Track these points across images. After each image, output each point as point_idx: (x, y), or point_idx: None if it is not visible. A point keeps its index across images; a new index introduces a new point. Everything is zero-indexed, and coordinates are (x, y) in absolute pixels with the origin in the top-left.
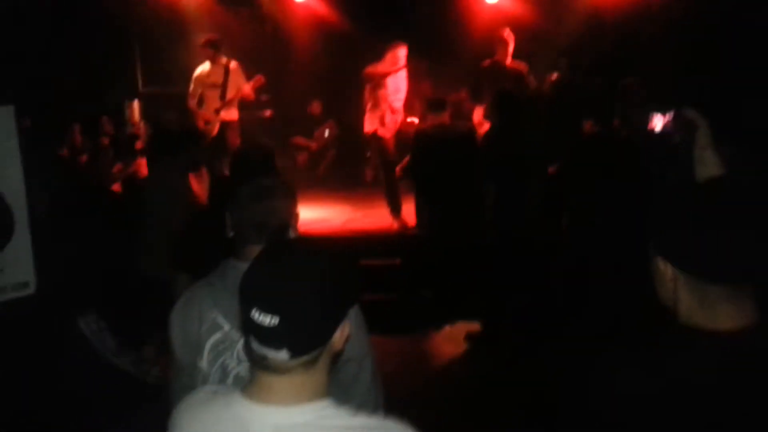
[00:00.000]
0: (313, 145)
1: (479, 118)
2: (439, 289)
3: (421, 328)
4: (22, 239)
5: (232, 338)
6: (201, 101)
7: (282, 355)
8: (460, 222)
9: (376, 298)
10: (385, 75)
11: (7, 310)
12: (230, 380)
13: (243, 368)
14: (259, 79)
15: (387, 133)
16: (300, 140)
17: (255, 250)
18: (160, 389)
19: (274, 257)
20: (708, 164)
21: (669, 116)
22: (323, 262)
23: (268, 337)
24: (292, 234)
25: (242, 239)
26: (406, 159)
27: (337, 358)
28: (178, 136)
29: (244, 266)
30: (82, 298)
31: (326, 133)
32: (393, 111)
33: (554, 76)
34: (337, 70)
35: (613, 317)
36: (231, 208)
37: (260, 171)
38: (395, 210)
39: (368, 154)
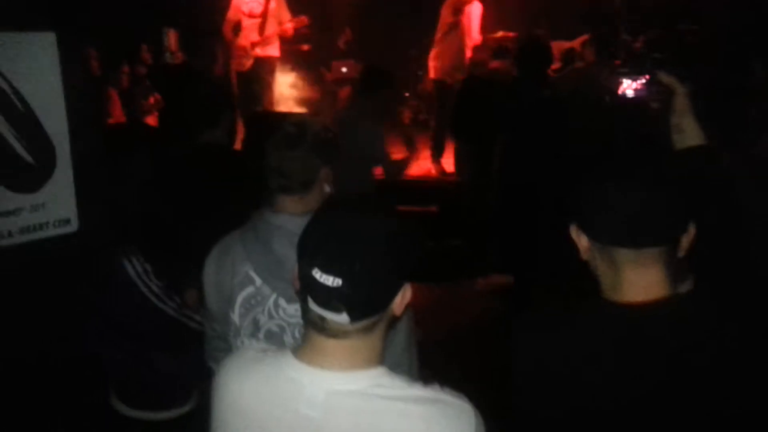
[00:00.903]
0: (329, 75)
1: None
2: (474, 240)
3: (453, 278)
4: (64, 174)
5: (263, 293)
6: (237, 29)
7: (342, 319)
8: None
9: None
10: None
11: (50, 247)
12: (261, 335)
13: (274, 324)
14: (303, 19)
15: (453, 78)
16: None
17: (285, 200)
18: (200, 336)
19: (336, 215)
20: (687, 132)
21: (642, 80)
22: (390, 224)
23: (328, 298)
24: (326, 188)
25: (273, 189)
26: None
27: (394, 324)
28: (217, 105)
29: (276, 217)
30: (126, 240)
31: (344, 70)
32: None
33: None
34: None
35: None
36: (262, 157)
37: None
38: (437, 155)
39: (407, 94)
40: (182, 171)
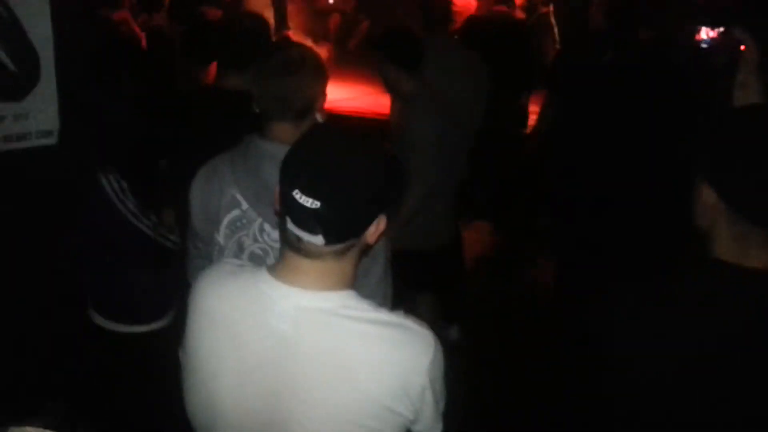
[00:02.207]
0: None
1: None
2: (478, 184)
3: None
4: (48, 86)
5: (249, 216)
6: None
7: (317, 240)
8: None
9: None
10: None
11: (31, 157)
12: (245, 256)
13: (258, 247)
14: None
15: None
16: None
17: (279, 127)
18: (177, 254)
19: (322, 139)
20: (750, 90)
21: (717, 32)
22: (373, 154)
23: (306, 220)
24: (318, 115)
25: (266, 116)
26: None
27: (366, 251)
28: (218, 39)
29: (267, 144)
30: (105, 156)
31: (330, 1)
32: None
33: None
34: None
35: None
36: (256, 81)
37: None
38: None
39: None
40: (190, 110)
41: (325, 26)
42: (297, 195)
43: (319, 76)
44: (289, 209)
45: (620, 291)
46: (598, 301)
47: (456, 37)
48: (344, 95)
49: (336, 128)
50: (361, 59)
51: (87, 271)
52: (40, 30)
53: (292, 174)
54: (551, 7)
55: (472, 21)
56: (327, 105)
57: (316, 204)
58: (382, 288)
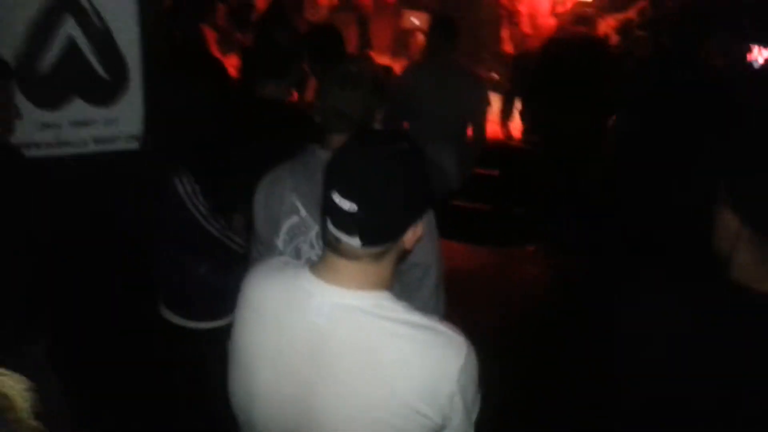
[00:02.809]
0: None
1: (608, 29)
2: (533, 208)
3: (509, 243)
4: (135, 93)
5: (307, 224)
6: None
7: (354, 241)
8: (573, 144)
9: (468, 206)
10: None
11: (117, 160)
12: (302, 262)
13: (314, 254)
14: None
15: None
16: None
17: (337, 138)
18: (242, 257)
19: (362, 145)
20: None
21: None
22: (410, 159)
23: (344, 221)
24: (376, 126)
25: (326, 127)
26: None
27: (404, 257)
28: (288, 57)
29: (325, 154)
30: (181, 161)
31: (414, 20)
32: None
33: None
34: None
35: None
36: (317, 93)
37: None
38: (505, 118)
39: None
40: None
41: (408, 45)
42: (336, 197)
43: (377, 90)
44: (329, 210)
45: (647, 283)
46: (628, 287)
47: (538, 58)
48: None
49: (379, 135)
50: None
51: (163, 266)
52: (128, 40)
53: (333, 177)
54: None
55: (554, 43)
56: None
57: (354, 207)
58: (434, 302)
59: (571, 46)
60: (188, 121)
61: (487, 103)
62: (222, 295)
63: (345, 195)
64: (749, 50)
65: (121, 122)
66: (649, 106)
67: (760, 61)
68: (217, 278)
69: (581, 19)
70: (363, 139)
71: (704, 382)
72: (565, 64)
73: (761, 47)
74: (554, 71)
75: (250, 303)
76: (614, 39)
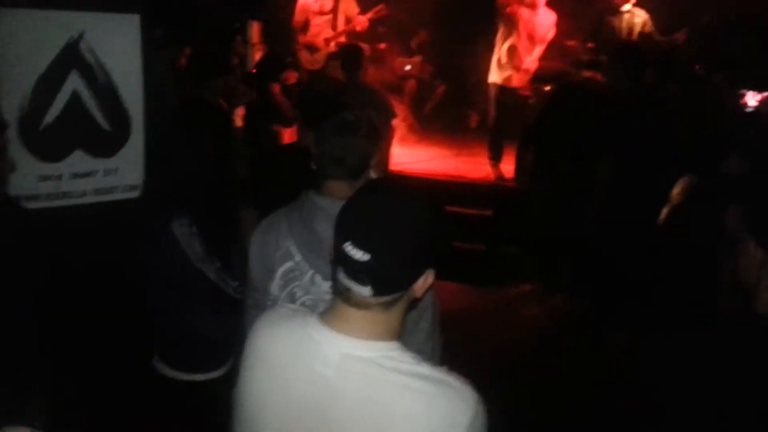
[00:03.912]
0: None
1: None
2: (526, 248)
3: (502, 283)
4: (136, 144)
5: (302, 268)
6: (305, 29)
7: (365, 291)
8: (567, 185)
9: (462, 247)
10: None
11: (117, 209)
12: (310, 311)
13: (309, 298)
14: (381, 9)
15: (516, 82)
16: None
17: (334, 185)
18: (239, 304)
19: (375, 195)
20: None
21: (764, 96)
22: (421, 208)
23: (356, 271)
24: (372, 173)
25: (323, 173)
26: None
27: (414, 305)
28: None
29: (321, 200)
30: (180, 206)
31: (407, 68)
32: (525, 58)
33: (681, 34)
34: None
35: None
36: (315, 141)
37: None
38: (495, 159)
39: (476, 99)
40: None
41: (402, 91)
42: (348, 247)
43: (374, 137)
44: (341, 260)
45: (671, 343)
46: (652, 350)
47: (551, 101)
48: (418, 158)
49: (388, 185)
50: (435, 122)
51: (159, 315)
52: (133, 93)
53: (345, 227)
54: None
55: (565, 88)
56: (401, 167)
57: (366, 256)
58: (431, 343)
59: (580, 93)
60: (190, 169)
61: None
62: (216, 346)
63: (357, 244)
64: (740, 96)
65: (121, 172)
66: (627, 148)
67: (753, 104)
68: (212, 327)
69: (593, 64)
70: (375, 189)
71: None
72: (575, 110)
73: (754, 92)
74: (563, 117)
75: (257, 352)
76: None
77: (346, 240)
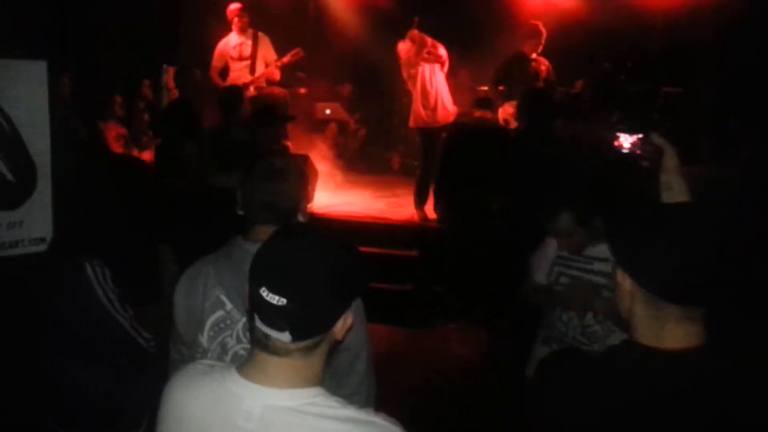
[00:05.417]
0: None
1: (506, 115)
2: (452, 286)
3: (430, 322)
4: (43, 195)
5: (233, 318)
6: (224, 74)
7: (284, 337)
8: (480, 219)
9: (389, 288)
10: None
11: (22, 264)
12: (229, 358)
13: (242, 347)
14: (297, 52)
15: (437, 123)
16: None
17: (262, 230)
18: (152, 359)
19: (288, 239)
20: (674, 190)
21: (636, 138)
22: (336, 250)
23: (273, 317)
24: (300, 217)
25: (251, 219)
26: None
27: (335, 347)
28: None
29: (250, 246)
30: (93, 250)
31: (327, 111)
32: (440, 102)
33: (578, 84)
34: (377, 53)
35: None
36: (242, 186)
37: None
38: (420, 202)
39: (397, 143)
40: (190, 207)
41: (323, 134)
42: (264, 293)
43: (302, 182)
44: (256, 307)
45: (551, 367)
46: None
47: (448, 141)
48: (341, 200)
49: (302, 229)
50: (358, 165)
51: (61, 377)
52: (39, 143)
53: (259, 272)
54: None
55: (460, 128)
56: (324, 210)
57: (282, 301)
58: (365, 386)
59: (475, 133)
60: (100, 216)
61: None
62: (127, 405)
63: (273, 290)
64: (616, 137)
65: (26, 225)
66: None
67: (627, 145)
68: (124, 384)
69: (484, 103)
70: (287, 234)
71: None
72: (470, 149)
73: (627, 134)
74: (461, 155)
75: (173, 413)
76: (513, 124)
77: (261, 285)
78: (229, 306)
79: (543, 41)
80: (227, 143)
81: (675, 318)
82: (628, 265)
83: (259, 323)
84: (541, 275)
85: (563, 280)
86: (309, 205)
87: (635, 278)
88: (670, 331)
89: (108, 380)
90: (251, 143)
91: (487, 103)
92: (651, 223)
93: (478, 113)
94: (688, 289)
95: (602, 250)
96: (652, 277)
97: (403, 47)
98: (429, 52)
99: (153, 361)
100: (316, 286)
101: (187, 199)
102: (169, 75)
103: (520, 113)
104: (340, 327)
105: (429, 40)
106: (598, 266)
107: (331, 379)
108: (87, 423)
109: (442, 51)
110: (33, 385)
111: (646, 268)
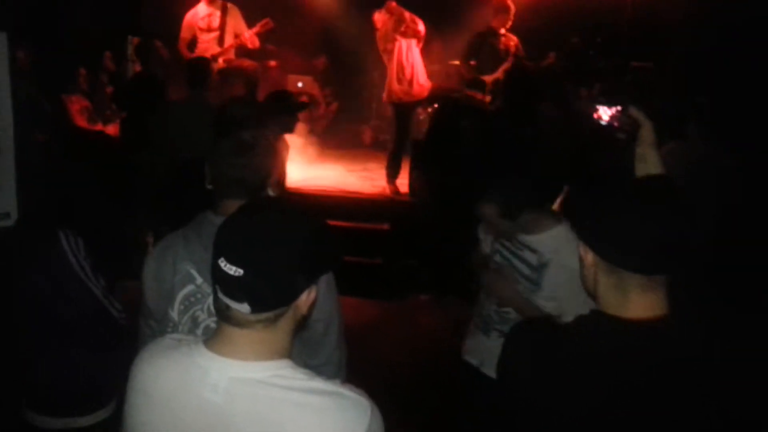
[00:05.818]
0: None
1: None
2: (423, 259)
3: (401, 295)
4: (6, 169)
5: (204, 291)
6: (192, 46)
7: (243, 308)
8: (456, 193)
9: (360, 261)
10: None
11: None
12: (200, 331)
13: (213, 321)
14: (267, 22)
15: (408, 98)
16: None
17: (232, 204)
18: (124, 334)
19: (250, 212)
20: (648, 163)
21: (615, 111)
22: (300, 224)
23: (231, 287)
24: (270, 192)
25: (220, 193)
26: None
27: (303, 322)
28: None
29: (219, 220)
30: (61, 221)
31: (300, 84)
32: (416, 77)
33: (551, 56)
34: (352, 24)
35: None
36: (211, 161)
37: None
38: (392, 176)
39: (369, 116)
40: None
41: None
42: (222, 263)
43: (271, 156)
44: (217, 278)
45: (520, 338)
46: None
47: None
48: (312, 175)
49: (268, 203)
50: (330, 139)
51: (32, 356)
52: (1, 119)
53: (220, 244)
54: None
55: (448, 105)
56: (296, 184)
57: (239, 272)
58: (337, 357)
59: (460, 111)
60: (70, 191)
61: None
62: (98, 383)
63: (231, 260)
64: (595, 110)
65: None
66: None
67: (606, 118)
68: (95, 360)
69: (476, 83)
70: (252, 207)
71: (593, 422)
72: (456, 127)
73: (606, 107)
74: (446, 134)
75: (140, 388)
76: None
77: (219, 256)
78: (199, 280)
79: (511, 16)
80: (225, 120)
81: (638, 287)
82: (589, 238)
83: (220, 294)
84: (486, 246)
85: (498, 258)
86: (284, 180)
87: (595, 250)
88: (633, 301)
89: (83, 356)
90: (249, 119)
91: (480, 84)
92: (609, 196)
93: (469, 93)
94: (646, 258)
95: (537, 239)
96: (611, 248)
97: (380, 18)
98: (407, 27)
99: (124, 336)
100: (275, 258)
101: (158, 173)
102: (133, 46)
103: (498, 91)
104: (304, 301)
105: (407, 15)
106: (527, 255)
107: (303, 350)
108: (62, 403)
109: (421, 26)
110: (8, 365)
111: (605, 239)
